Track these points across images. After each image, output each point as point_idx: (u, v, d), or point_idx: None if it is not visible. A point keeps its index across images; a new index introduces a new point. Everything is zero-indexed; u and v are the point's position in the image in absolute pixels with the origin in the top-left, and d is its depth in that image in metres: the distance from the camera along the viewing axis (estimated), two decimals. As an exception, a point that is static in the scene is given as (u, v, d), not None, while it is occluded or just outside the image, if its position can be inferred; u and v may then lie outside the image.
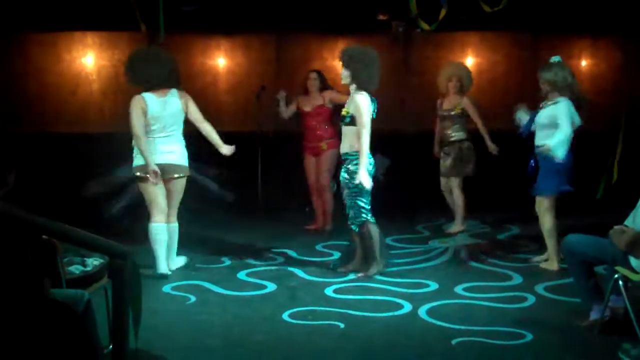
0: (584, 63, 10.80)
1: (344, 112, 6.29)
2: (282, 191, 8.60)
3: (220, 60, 10.51)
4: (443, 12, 7.68)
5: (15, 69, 10.10)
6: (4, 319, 3.36)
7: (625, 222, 4.79)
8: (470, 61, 10.48)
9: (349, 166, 6.23)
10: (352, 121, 6.18)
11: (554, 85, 6.30)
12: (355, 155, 6.17)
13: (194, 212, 7.03)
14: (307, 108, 7.78)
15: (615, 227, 4.82)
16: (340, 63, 6.28)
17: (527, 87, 10.11)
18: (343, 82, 6.28)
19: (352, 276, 6.36)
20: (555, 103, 6.30)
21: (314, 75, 7.90)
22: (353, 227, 6.36)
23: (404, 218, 8.21)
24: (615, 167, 7.85)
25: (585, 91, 10.59)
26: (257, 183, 8.73)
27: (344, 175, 6.29)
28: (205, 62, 10.46)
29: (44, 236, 3.78)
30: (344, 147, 6.29)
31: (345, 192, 6.31)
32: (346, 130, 6.27)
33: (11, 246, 3.47)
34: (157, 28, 7.60)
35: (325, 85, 7.82)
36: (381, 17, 9.80)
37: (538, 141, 6.35)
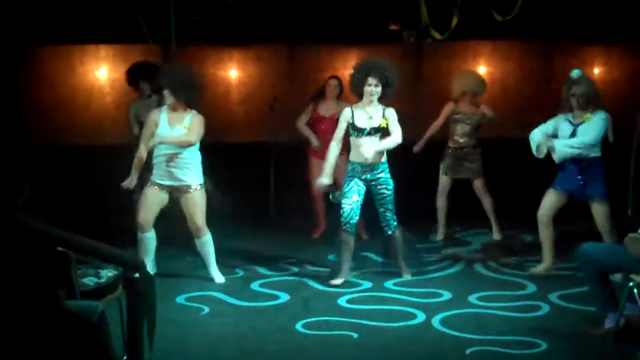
0: (596, 71, 10.77)
1: (382, 124, 6.33)
2: (295, 202, 8.60)
3: (233, 72, 10.56)
4: (455, 21, 7.69)
5: (29, 81, 10.18)
6: (20, 329, 3.39)
7: (640, 230, 4.78)
8: (482, 70, 10.47)
9: (382, 174, 6.36)
10: (385, 133, 6.31)
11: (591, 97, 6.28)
12: (385, 164, 6.38)
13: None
14: (325, 113, 7.77)
15: (630, 234, 4.80)
16: (377, 78, 6.28)
17: (539, 95, 10.11)
18: (375, 96, 6.31)
19: (366, 285, 6.37)
20: (598, 114, 6.27)
21: (334, 82, 7.89)
22: (390, 232, 6.48)
23: (415, 227, 8.16)
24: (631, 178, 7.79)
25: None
26: (269, 194, 8.74)
27: (382, 186, 6.37)
28: (217, 74, 10.50)
29: (58, 247, 3.81)
30: (375, 158, 6.32)
31: (382, 199, 6.39)
32: (375, 140, 6.32)
33: (28, 257, 3.49)
34: (170, 40, 7.65)
35: (342, 92, 7.82)
36: (393, 27, 9.82)
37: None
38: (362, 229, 7.55)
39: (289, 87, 10.12)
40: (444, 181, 7.91)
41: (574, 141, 6.24)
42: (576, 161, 6.29)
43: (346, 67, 10.56)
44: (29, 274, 3.47)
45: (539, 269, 6.64)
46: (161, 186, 6.33)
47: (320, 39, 10.13)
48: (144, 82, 7.45)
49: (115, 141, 9.31)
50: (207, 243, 6.49)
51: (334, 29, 9.76)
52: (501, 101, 10.16)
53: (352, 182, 6.37)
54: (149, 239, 6.38)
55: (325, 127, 7.68)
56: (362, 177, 6.37)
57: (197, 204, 6.36)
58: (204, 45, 10.18)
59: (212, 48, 10.42)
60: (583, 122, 6.25)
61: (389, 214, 6.47)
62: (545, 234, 6.56)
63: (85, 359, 3.36)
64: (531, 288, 6.30)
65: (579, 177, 6.31)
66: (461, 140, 7.79)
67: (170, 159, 6.26)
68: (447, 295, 6.13)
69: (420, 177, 8.12)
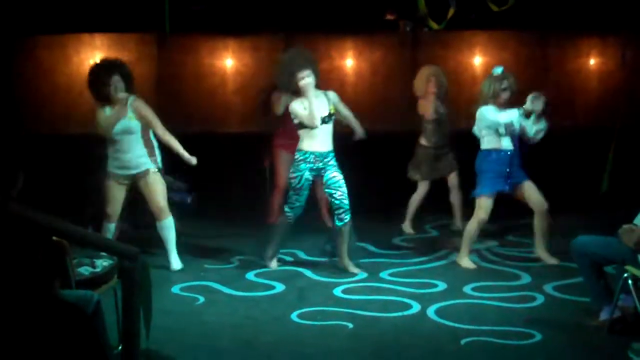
0: (592, 61, 10.77)
1: (331, 110, 6.34)
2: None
3: (228, 61, 10.53)
4: (451, 12, 7.67)
5: (24, 71, 10.16)
6: (15, 319, 3.39)
7: (635, 221, 4.80)
8: (478, 60, 10.47)
9: (332, 161, 6.39)
10: (335, 118, 6.41)
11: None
12: (333, 151, 6.41)
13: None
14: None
15: (624, 226, 4.82)
16: (307, 69, 6.28)
17: (535, 85, 10.10)
18: (311, 86, 6.28)
19: (361, 275, 6.38)
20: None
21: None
22: (347, 217, 6.38)
23: (412, 218, 8.18)
24: (610, 159, 7.83)
25: (594, 88, 10.71)
26: (265, 184, 8.73)
27: (336, 171, 6.36)
28: (213, 63, 10.48)
29: (54, 237, 3.81)
30: (329, 146, 6.37)
31: (335, 182, 6.35)
32: (329, 127, 6.35)
33: (23, 246, 3.49)
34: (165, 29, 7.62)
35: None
36: (389, 16, 9.80)
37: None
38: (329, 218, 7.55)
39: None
40: (424, 187, 7.92)
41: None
42: (509, 156, 6.43)
43: (342, 56, 10.57)
44: (23, 264, 3.47)
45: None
46: (120, 176, 6.41)
47: (316, 29, 10.11)
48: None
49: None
50: (168, 227, 6.49)
51: (330, 18, 9.74)
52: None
53: (303, 179, 6.35)
54: (112, 230, 6.49)
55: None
56: (315, 167, 6.35)
57: (156, 185, 6.43)
58: (200, 35, 10.16)
59: (208, 37, 10.39)
60: None
61: (345, 200, 6.38)
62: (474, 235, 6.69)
63: (80, 348, 3.37)
64: (526, 279, 6.32)
65: (507, 170, 6.45)
66: (433, 139, 7.79)
67: (125, 149, 6.33)
68: (442, 286, 6.14)
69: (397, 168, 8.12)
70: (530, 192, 6.55)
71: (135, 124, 6.33)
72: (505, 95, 6.43)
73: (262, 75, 10.15)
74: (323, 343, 4.92)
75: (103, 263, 4.56)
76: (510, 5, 7.34)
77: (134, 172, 6.39)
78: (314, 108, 6.23)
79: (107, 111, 6.35)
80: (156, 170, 6.45)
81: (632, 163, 8.69)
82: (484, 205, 6.49)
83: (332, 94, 6.45)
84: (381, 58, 10.48)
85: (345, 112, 6.57)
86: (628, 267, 4.80)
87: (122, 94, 6.32)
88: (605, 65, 10.82)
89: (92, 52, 10.28)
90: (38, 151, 8.49)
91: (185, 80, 10.30)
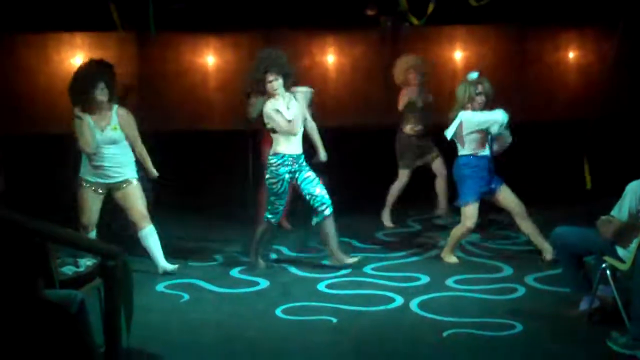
0: (571, 55, 10.85)
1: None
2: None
3: (210, 58, 10.51)
4: (431, 7, 7.72)
5: (4, 70, 10.09)
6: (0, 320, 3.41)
7: (612, 213, 4.86)
8: (458, 54, 10.52)
9: (304, 162, 6.42)
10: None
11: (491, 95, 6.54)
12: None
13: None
14: None
15: (602, 217, 4.89)
16: (275, 72, 6.27)
17: (514, 79, 10.18)
18: (279, 89, 6.29)
19: (345, 270, 6.42)
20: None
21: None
22: (330, 210, 6.40)
23: (394, 212, 8.24)
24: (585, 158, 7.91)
25: (573, 81, 10.77)
26: (247, 181, 8.74)
27: (309, 170, 6.41)
28: (194, 61, 10.46)
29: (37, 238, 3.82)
30: (301, 148, 6.41)
31: (311, 181, 6.38)
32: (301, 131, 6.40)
33: (5, 248, 3.50)
34: (148, 28, 7.61)
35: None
36: (369, 12, 9.82)
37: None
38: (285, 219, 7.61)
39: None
40: (406, 176, 7.98)
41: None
42: (488, 161, 6.49)
43: (323, 52, 10.57)
44: (5, 265, 3.49)
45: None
46: (97, 185, 6.25)
47: (296, 25, 10.12)
48: None
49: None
50: (150, 234, 6.34)
51: (311, 14, 9.75)
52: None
53: (285, 182, 6.35)
54: (94, 237, 6.27)
55: None
56: (292, 169, 6.36)
57: (136, 195, 6.32)
58: (180, 32, 10.14)
59: (188, 35, 10.37)
60: None
61: (324, 193, 6.40)
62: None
63: (65, 348, 3.38)
64: (507, 271, 6.39)
65: (488, 176, 6.50)
66: (417, 128, 7.87)
67: (106, 158, 6.19)
68: (424, 279, 6.20)
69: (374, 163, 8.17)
70: (506, 195, 6.59)
71: (120, 135, 6.20)
72: (480, 100, 6.45)
73: (243, 72, 10.15)
74: (307, 338, 4.96)
75: (87, 263, 4.58)
76: (489, 0, 7.40)
77: (113, 181, 6.26)
78: (289, 115, 6.24)
79: (90, 121, 6.13)
80: (136, 179, 6.34)
81: (612, 154, 8.78)
82: (469, 214, 6.50)
83: (299, 95, 6.40)
84: (362, 54, 10.50)
85: (311, 123, 6.51)
86: (606, 258, 4.88)
87: (105, 102, 6.15)
88: (584, 58, 10.89)
89: (73, 51, 10.23)
90: (16, 152, 8.44)
91: (167, 78, 10.27)
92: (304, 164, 6.43)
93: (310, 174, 6.40)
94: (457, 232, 6.66)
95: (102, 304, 4.36)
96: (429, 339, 4.90)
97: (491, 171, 6.53)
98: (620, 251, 4.82)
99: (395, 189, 8.03)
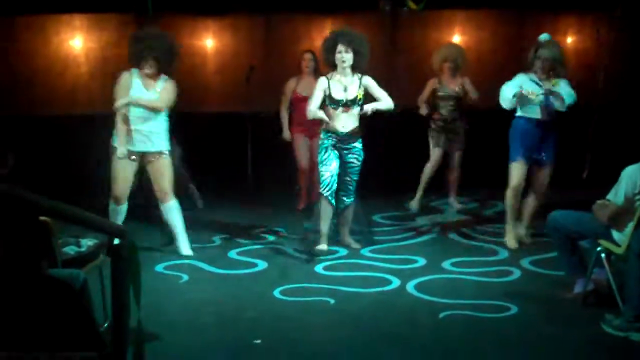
0: (569, 40, 10.85)
1: (358, 96, 6.37)
2: (272, 171, 8.65)
3: (209, 41, 10.51)
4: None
5: (3, 52, 10.09)
6: (5, 297, 3.45)
7: (608, 197, 4.91)
8: (457, 39, 10.52)
9: (357, 144, 6.43)
10: (362, 104, 6.40)
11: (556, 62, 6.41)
12: (359, 137, 6.45)
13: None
14: (304, 92, 7.55)
15: (598, 201, 4.95)
16: (346, 44, 6.31)
17: (513, 64, 10.19)
18: (347, 63, 6.32)
19: (342, 252, 6.47)
20: (563, 80, 6.43)
21: (309, 55, 7.86)
22: (349, 200, 6.52)
23: (391, 195, 8.29)
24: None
25: (571, 66, 10.78)
26: (246, 163, 8.78)
27: (354, 155, 6.42)
28: (193, 43, 10.45)
29: (41, 217, 3.85)
30: (351, 129, 6.39)
31: (350, 167, 6.44)
32: (352, 112, 6.38)
33: (12, 225, 3.55)
34: (146, 10, 7.61)
35: (318, 66, 7.72)
36: (368, -4, 9.82)
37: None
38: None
39: (265, 57, 10.11)
40: (436, 154, 8.04)
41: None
42: (540, 127, 6.41)
43: (322, 37, 10.54)
44: (12, 242, 3.53)
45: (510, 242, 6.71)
46: (131, 153, 6.21)
47: (296, 9, 10.12)
48: None
49: (90, 111, 9.30)
50: (173, 209, 6.38)
51: (310, -2, 9.76)
52: (475, 70, 10.23)
53: (329, 151, 6.41)
54: (123, 212, 6.33)
55: (305, 107, 7.66)
56: (337, 146, 6.41)
57: (165, 169, 6.32)
58: (179, 15, 10.13)
59: (188, 18, 10.36)
60: (552, 87, 6.36)
61: (352, 184, 6.49)
62: (514, 205, 6.62)
63: (69, 324, 3.43)
64: (503, 254, 6.45)
65: (542, 144, 6.46)
66: (445, 114, 7.93)
67: (142, 123, 6.19)
68: (421, 262, 6.26)
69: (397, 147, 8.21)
70: (546, 174, 6.57)
71: (159, 99, 6.21)
72: (538, 64, 6.39)
73: (242, 55, 10.18)
74: (305, 318, 5.02)
75: (88, 242, 4.63)
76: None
77: (149, 149, 6.23)
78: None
79: (137, 78, 6.20)
80: (167, 153, 6.34)
81: (610, 140, 8.82)
82: (512, 174, 6.48)
83: (366, 79, 6.44)
84: (361, 37, 10.51)
85: (379, 94, 6.55)
86: (601, 242, 4.93)
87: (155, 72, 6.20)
88: (583, 43, 10.90)
89: (72, 33, 10.22)
90: (17, 132, 8.47)
91: (166, 60, 10.27)
92: (355, 146, 6.44)
93: (353, 161, 6.44)
94: (507, 197, 6.59)
95: (103, 284, 4.42)
96: (425, 320, 4.96)
97: (544, 139, 6.49)
98: (615, 235, 4.87)
99: (427, 169, 8.08)
